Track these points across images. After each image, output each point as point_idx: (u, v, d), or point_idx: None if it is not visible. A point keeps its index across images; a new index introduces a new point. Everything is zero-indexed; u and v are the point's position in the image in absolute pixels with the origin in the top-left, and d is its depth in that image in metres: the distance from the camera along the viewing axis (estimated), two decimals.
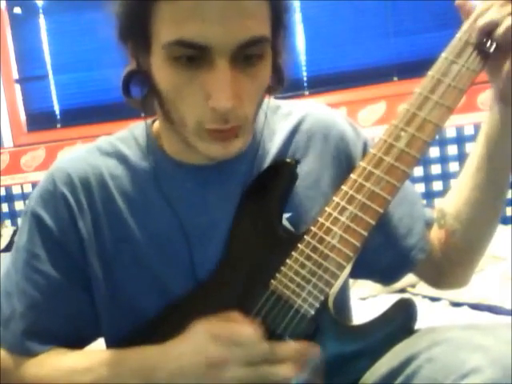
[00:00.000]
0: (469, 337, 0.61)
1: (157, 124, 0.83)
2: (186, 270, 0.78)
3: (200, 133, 0.71)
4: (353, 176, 0.74)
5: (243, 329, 0.67)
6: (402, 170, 0.72)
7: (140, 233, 0.79)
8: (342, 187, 0.74)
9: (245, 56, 0.68)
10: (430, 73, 0.74)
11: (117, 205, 0.79)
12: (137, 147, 0.82)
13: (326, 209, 0.74)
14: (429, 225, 0.88)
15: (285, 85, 0.79)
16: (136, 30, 0.70)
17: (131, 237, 0.79)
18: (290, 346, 0.68)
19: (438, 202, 2.97)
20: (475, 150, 0.81)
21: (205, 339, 0.67)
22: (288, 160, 0.80)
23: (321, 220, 0.74)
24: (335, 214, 0.73)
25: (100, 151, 0.82)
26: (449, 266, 0.88)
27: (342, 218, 0.73)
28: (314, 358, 0.68)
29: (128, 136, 0.84)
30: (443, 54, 0.74)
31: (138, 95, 0.77)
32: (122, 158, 0.81)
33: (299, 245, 0.74)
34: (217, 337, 0.67)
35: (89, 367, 0.75)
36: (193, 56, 0.67)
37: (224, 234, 0.78)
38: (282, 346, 0.68)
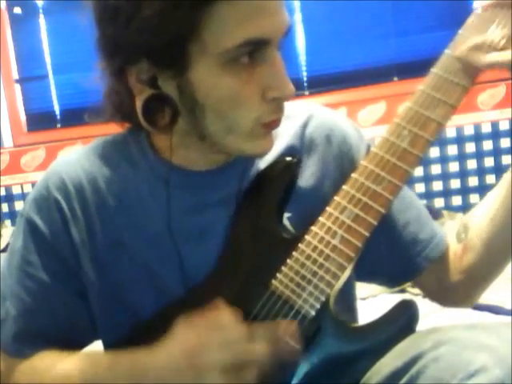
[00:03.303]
0: (474, 336, 0.61)
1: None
2: (178, 271, 0.78)
3: (255, 131, 0.72)
4: (354, 175, 0.74)
5: (219, 314, 0.67)
6: (405, 170, 0.72)
7: (134, 236, 0.79)
8: (344, 187, 0.74)
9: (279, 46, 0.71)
10: (434, 70, 0.73)
11: (110, 209, 0.79)
12: (132, 151, 0.82)
13: (327, 208, 0.74)
14: (440, 237, 0.86)
15: None
16: (169, 48, 0.67)
17: (125, 240, 0.79)
18: (267, 326, 0.68)
19: (438, 202, 2.93)
20: (509, 172, 0.78)
21: (183, 332, 0.68)
22: (289, 158, 0.80)
23: (322, 220, 0.73)
24: (336, 213, 0.73)
25: (95, 155, 0.82)
26: (459, 282, 0.85)
27: (343, 218, 0.72)
28: (292, 336, 0.68)
29: (123, 139, 0.84)
30: (447, 51, 0.73)
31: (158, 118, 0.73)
32: (116, 163, 0.81)
33: (300, 245, 0.73)
34: (193, 326, 0.67)
35: (80, 372, 0.75)
36: (254, 52, 0.68)
37: (220, 235, 0.78)
38: (258, 326, 0.68)
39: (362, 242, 0.71)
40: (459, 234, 0.85)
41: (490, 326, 0.64)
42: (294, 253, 0.73)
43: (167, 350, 0.68)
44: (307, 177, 0.82)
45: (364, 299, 1.99)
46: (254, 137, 0.73)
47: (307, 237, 0.73)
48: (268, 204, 0.78)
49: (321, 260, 0.71)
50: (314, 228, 0.73)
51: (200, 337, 0.66)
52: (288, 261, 0.73)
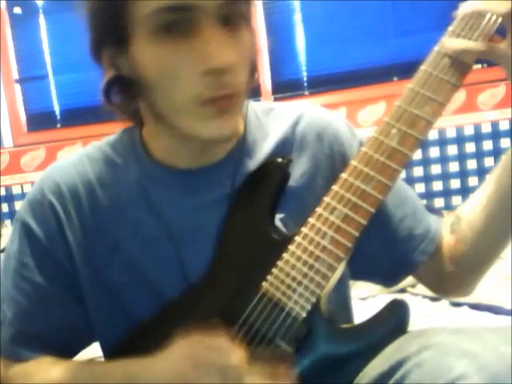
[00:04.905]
0: (457, 342, 0.60)
1: (146, 128, 0.82)
2: (175, 273, 0.77)
3: (197, 110, 0.69)
4: (343, 175, 0.73)
5: (219, 343, 0.66)
6: (394, 169, 0.71)
7: (129, 238, 0.78)
8: (333, 187, 0.73)
9: (229, 17, 0.68)
10: (423, 67, 0.73)
11: (105, 212, 0.79)
12: (125, 152, 0.82)
13: (317, 209, 0.73)
14: (436, 230, 0.86)
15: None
16: (109, 24, 0.69)
17: (121, 243, 0.78)
18: (265, 368, 0.66)
19: (438, 201, 2.93)
20: (502, 160, 0.79)
21: (181, 354, 0.67)
22: (279, 159, 0.79)
23: (312, 220, 0.73)
24: (326, 214, 0.72)
25: (89, 158, 0.82)
26: (453, 272, 0.85)
27: (333, 219, 0.71)
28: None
29: (117, 141, 0.84)
30: (436, 48, 0.72)
31: (122, 101, 0.75)
32: (110, 165, 0.81)
33: (290, 246, 0.72)
34: (194, 348, 0.66)
35: (73, 378, 0.74)
36: (177, 21, 0.66)
37: (213, 236, 0.78)
38: (259, 368, 0.65)
39: (352, 242, 0.71)
40: (452, 225, 0.85)
41: (476, 331, 0.64)
42: (284, 254, 0.72)
43: (163, 367, 0.67)
44: (299, 176, 0.82)
45: (364, 299, 1.99)
46: (202, 117, 0.70)
47: (297, 238, 0.73)
48: (259, 205, 0.78)
49: (311, 261, 0.71)
50: (303, 229, 0.73)
51: (198, 362, 0.65)
52: (278, 262, 0.72)
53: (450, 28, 0.73)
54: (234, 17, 0.68)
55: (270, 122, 0.85)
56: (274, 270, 0.72)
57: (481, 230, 0.81)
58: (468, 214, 0.83)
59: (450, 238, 0.85)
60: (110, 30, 0.69)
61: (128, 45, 0.70)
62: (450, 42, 0.71)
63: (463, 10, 0.72)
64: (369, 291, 1.99)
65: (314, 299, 0.70)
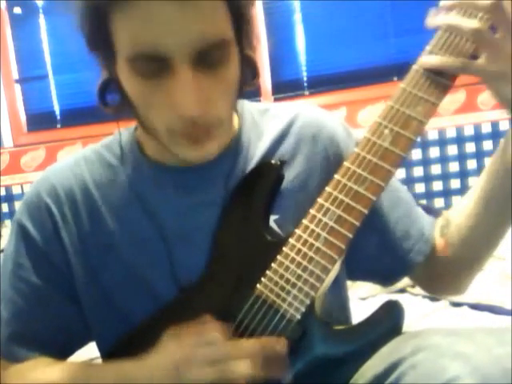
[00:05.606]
0: (450, 343, 0.60)
1: (140, 129, 0.83)
2: (168, 273, 0.77)
3: (172, 138, 0.71)
4: (337, 176, 0.73)
5: (207, 329, 0.67)
6: (387, 169, 0.71)
7: (124, 239, 0.79)
8: (326, 188, 0.73)
9: (208, 60, 0.67)
10: (415, 67, 0.72)
11: (101, 214, 0.79)
12: (121, 153, 0.82)
13: (311, 211, 0.73)
14: (430, 230, 0.87)
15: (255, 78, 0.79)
16: (99, 41, 0.69)
17: (116, 244, 0.79)
18: (254, 342, 0.67)
19: (438, 202, 2.92)
20: (488, 164, 0.79)
21: (170, 344, 0.67)
22: (273, 161, 0.79)
23: (305, 222, 0.72)
24: (319, 215, 0.72)
25: (86, 161, 0.83)
26: (445, 273, 0.86)
27: (326, 220, 0.71)
28: (280, 352, 0.67)
29: (114, 142, 0.84)
30: (427, 47, 0.72)
31: (114, 102, 0.76)
32: (106, 166, 0.82)
33: (284, 248, 0.72)
34: (181, 340, 0.67)
35: (68, 379, 0.74)
36: (154, 68, 0.66)
37: (207, 236, 0.78)
38: (245, 342, 0.67)
39: (346, 244, 0.70)
40: (442, 228, 0.85)
41: (470, 332, 0.63)
42: (278, 256, 0.72)
43: (153, 362, 0.68)
44: (293, 177, 0.81)
45: (364, 299, 1.99)
46: (175, 143, 0.71)
47: (291, 240, 0.72)
48: (254, 207, 0.78)
49: (305, 263, 0.71)
50: (297, 231, 0.72)
51: (186, 352, 0.66)
52: (272, 264, 0.72)
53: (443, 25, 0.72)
54: (212, 60, 0.68)
55: (265, 121, 0.85)
56: (269, 272, 0.72)
57: (467, 236, 0.81)
58: (456, 218, 0.83)
59: (440, 240, 0.85)
60: (101, 43, 0.69)
61: (115, 57, 0.70)
62: (427, 58, 0.71)
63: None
64: (369, 291, 1.99)
65: (308, 301, 0.70)
